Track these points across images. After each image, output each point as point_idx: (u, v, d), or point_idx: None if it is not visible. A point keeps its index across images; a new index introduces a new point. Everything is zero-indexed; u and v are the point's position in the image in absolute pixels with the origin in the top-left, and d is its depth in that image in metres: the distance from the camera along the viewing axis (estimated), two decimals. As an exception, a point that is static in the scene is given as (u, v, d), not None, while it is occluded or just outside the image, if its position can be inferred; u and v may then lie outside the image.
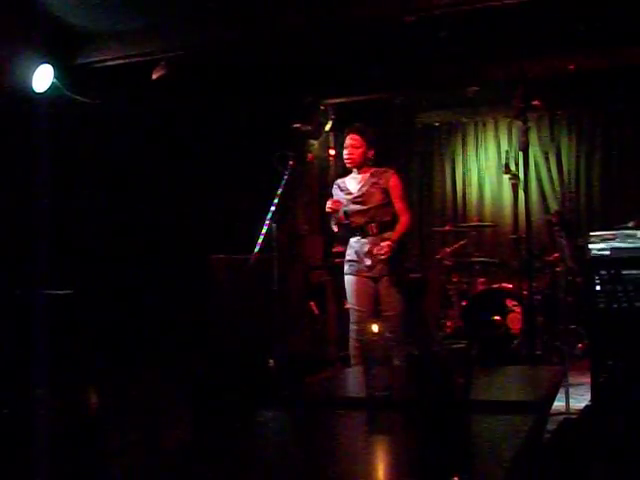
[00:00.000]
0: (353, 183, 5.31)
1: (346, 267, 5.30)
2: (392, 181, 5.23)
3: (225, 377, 5.36)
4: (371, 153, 5.27)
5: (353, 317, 5.24)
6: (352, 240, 5.29)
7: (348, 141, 5.28)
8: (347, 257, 5.31)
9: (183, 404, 4.92)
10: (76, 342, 5.02)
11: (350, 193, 5.28)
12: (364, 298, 5.19)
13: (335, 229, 5.36)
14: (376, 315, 5.12)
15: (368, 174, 5.26)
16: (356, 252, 5.23)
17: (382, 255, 5.05)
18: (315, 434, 2.24)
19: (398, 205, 5.20)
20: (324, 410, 2.51)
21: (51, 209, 5.28)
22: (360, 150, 5.23)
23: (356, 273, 5.23)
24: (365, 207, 5.20)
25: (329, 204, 5.19)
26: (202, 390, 5.13)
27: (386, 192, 5.19)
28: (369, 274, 5.18)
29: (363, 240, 5.21)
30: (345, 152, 5.29)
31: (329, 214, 5.25)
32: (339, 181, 5.44)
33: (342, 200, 5.26)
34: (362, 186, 5.25)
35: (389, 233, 5.15)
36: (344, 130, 5.50)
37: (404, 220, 5.18)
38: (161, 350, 5.65)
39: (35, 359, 4.53)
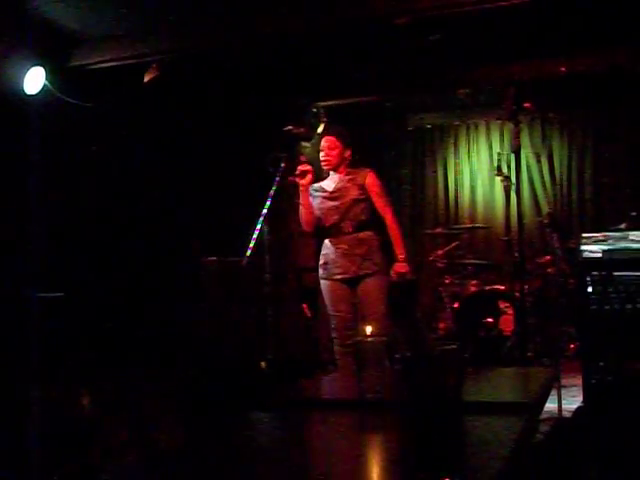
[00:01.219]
0: (329, 182, 5.21)
1: (320, 271, 5.17)
2: (369, 178, 5.10)
3: (218, 380, 5.35)
4: (348, 154, 5.16)
5: (333, 323, 5.12)
6: (326, 241, 5.16)
7: (323, 143, 5.18)
8: (321, 260, 5.17)
9: (176, 407, 4.91)
10: (67, 345, 5.01)
11: (325, 191, 5.16)
12: (341, 302, 5.06)
13: (304, 216, 5.16)
14: (358, 318, 4.99)
15: (344, 173, 5.16)
16: (330, 254, 5.10)
17: (406, 275, 5.03)
18: (308, 436, 2.24)
19: (378, 202, 5.08)
20: (317, 412, 2.51)
21: (43, 211, 5.27)
22: (336, 151, 5.12)
23: (330, 277, 5.10)
24: (339, 202, 5.07)
25: (301, 166, 5.10)
26: (195, 393, 5.12)
27: (363, 188, 5.06)
28: (343, 276, 5.04)
29: (339, 240, 5.07)
30: (321, 155, 5.19)
31: (299, 175, 5.07)
32: (315, 185, 5.25)
33: (317, 199, 5.14)
34: (337, 183, 5.14)
35: (366, 232, 5.05)
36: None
37: (391, 223, 5.08)
38: (153, 352, 5.63)
39: (26, 361, 4.52)
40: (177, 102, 6.40)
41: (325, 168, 5.22)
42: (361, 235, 5.04)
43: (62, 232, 5.65)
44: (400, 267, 5.03)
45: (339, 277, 5.06)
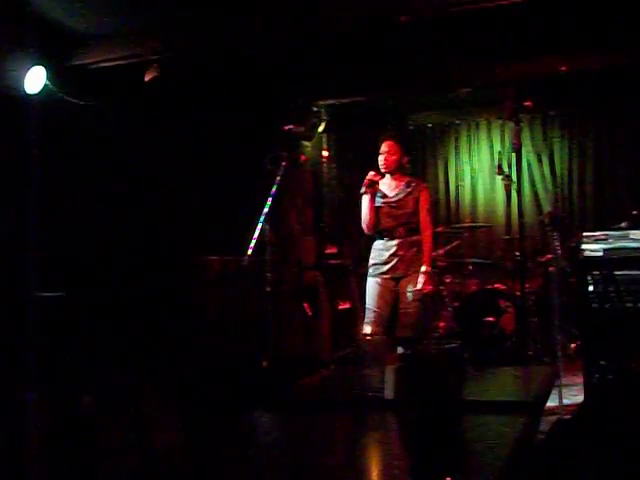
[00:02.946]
0: (388, 188, 5.52)
1: (370, 270, 5.50)
2: (424, 194, 5.50)
3: (219, 379, 5.35)
4: (405, 160, 5.53)
5: (369, 317, 5.40)
6: (377, 243, 5.51)
7: (384, 148, 5.49)
8: (371, 260, 5.51)
9: (176, 406, 4.91)
10: (68, 344, 5.01)
11: (386, 196, 5.48)
12: (384, 301, 5.39)
13: (368, 219, 5.47)
14: (391, 315, 5.37)
15: (403, 182, 5.50)
16: (381, 253, 5.44)
17: (429, 287, 5.32)
18: (308, 434, 2.24)
19: (424, 217, 5.45)
20: (317, 411, 2.51)
21: (43, 210, 5.27)
22: (395, 157, 5.47)
23: (380, 275, 5.43)
24: (399, 212, 5.43)
25: (367, 177, 5.41)
26: (196, 392, 5.13)
27: (417, 203, 5.44)
28: (392, 275, 5.39)
29: (391, 242, 5.42)
30: (380, 158, 5.49)
31: (368, 186, 5.43)
32: (372, 173, 5.55)
33: (376, 201, 5.47)
34: (398, 192, 5.48)
35: (414, 237, 5.41)
36: (340, 131, 5.64)
37: (427, 238, 5.42)
38: (154, 351, 5.63)
39: (27, 361, 4.52)
40: (177, 101, 6.39)
41: (383, 170, 5.52)
42: (411, 239, 5.43)
43: (63, 231, 5.65)
44: (426, 279, 5.31)
45: (387, 276, 5.42)
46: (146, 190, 6.31)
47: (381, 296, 5.39)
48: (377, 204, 5.47)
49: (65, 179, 5.79)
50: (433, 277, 5.46)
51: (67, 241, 5.68)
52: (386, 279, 5.41)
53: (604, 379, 4.43)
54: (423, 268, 5.32)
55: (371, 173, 5.45)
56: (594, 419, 4.14)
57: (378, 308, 5.37)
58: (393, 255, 5.40)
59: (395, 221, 5.45)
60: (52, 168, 5.46)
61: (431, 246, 5.47)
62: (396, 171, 5.50)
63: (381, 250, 5.46)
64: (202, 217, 6.57)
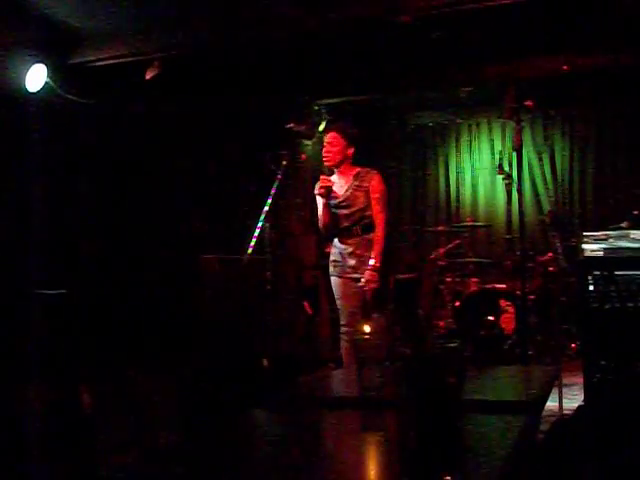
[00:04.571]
0: (338, 187, 5.17)
1: (331, 268, 5.21)
2: (373, 182, 5.09)
3: (218, 377, 5.35)
4: (351, 151, 5.12)
5: (342, 318, 5.17)
6: (336, 241, 5.20)
7: (326, 139, 5.15)
8: (332, 257, 5.22)
9: (176, 404, 4.91)
10: (69, 341, 5.01)
11: (336, 197, 5.13)
12: (351, 298, 5.10)
13: (322, 222, 5.15)
14: (365, 315, 5.03)
15: (351, 176, 5.13)
16: (340, 253, 5.14)
17: (373, 285, 4.94)
18: (308, 434, 2.24)
19: (375, 208, 5.07)
20: (317, 410, 2.51)
21: (45, 208, 5.27)
22: (337, 148, 5.08)
23: (341, 274, 5.15)
24: (349, 211, 5.09)
25: (320, 184, 5.04)
26: (195, 390, 5.13)
27: (368, 193, 5.08)
28: (354, 275, 5.08)
29: (348, 242, 5.10)
30: (323, 151, 5.16)
31: (321, 195, 5.06)
32: (323, 178, 5.20)
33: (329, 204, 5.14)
34: (346, 190, 5.12)
35: (372, 234, 5.04)
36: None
37: (379, 227, 5.05)
38: (154, 350, 5.64)
39: (28, 359, 4.52)
40: (178, 99, 6.39)
41: (326, 164, 5.19)
42: (368, 237, 5.05)
43: (64, 229, 5.65)
44: (370, 275, 4.97)
45: (350, 275, 5.10)
46: (146, 188, 6.31)
47: (349, 295, 5.10)
48: (330, 205, 5.13)
49: (66, 177, 5.79)
50: (380, 274, 4.93)
51: (68, 239, 5.68)
52: (348, 279, 5.11)
53: (604, 379, 4.43)
54: (371, 262, 4.96)
55: (322, 178, 5.10)
56: (594, 419, 4.13)
57: (350, 307, 5.09)
58: (352, 255, 5.07)
59: (349, 220, 5.09)
60: (53, 166, 5.46)
61: (383, 236, 5.03)
62: (341, 164, 5.11)
63: (341, 249, 5.14)
64: (203, 216, 6.57)
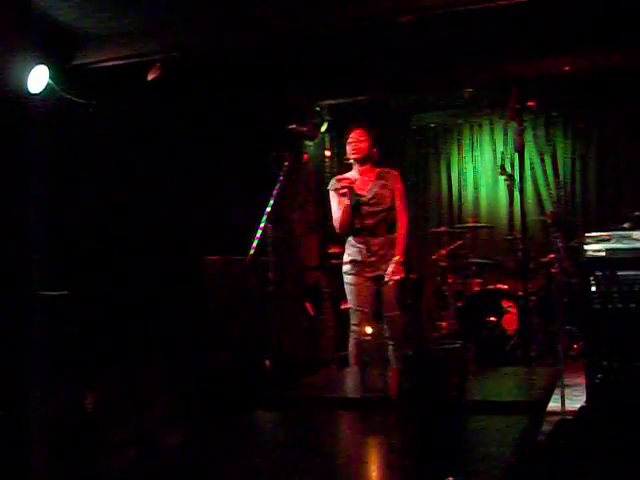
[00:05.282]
0: (360, 184, 5.26)
1: (348, 267, 5.27)
2: (398, 182, 5.27)
3: (220, 377, 5.36)
4: (375, 151, 5.28)
5: (354, 318, 5.22)
6: (355, 240, 5.25)
7: (353, 136, 5.27)
8: (348, 257, 5.28)
9: (179, 404, 4.92)
10: (71, 342, 5.01)
11: (360, 195, 5.22)
12: (365, 299, 5.18)
13: (343, 220, 5.21)
14: (377, 316, 5.13)
15: (374, 175, 5.27)
16: (360, 252, 5.20)
17: (397, 277, 5.05)
18: (310, 434, 2.24)
19: (400, 205, 5.23)
20: (320, 410, 2.51)
21: (45, 209, 5.27)
22: (365, 144, 5.24)
23: (358, 273, 5.21)
24: (376, 209, 5.21)
25: (343, 182, 5.15)
26: (198, 390, 5.13)
27: (393, 194, 5.23)
28: (372, 274, 5.16)
29: (373, 241, 5.19)
30: (350, 146, 5.28)
31: (344, 195, 5.15)
32: (341, 177, 5.34)
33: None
34: (372, 188, 5.24)
35: (396, 234, 5.19)
36: (343, 131, 5.48)
37: (403, 225, 5.20)
38: (156, 351, 5.64)
39: (31, 359, 4.52)
40: (180, 101, 6.40)
41: (353, 157, 5.29)
42: (392, 237, 5.20)
43: (65, 230, 5.65)
44: (396, 268, 5.08)
45: (369, 275, 5.17)
46: (148, 189, 6.31)
47: (365, 295, 5.18)
48: (355, 183, 5.21)
49: (67, 178, 5.79)
50: (404, 267, 5.08)
51: (69, 240, 5.69)
52: (368, 278, 5.19)
53: (606, 380, 4.42)
54: (395, 258, 5.10)
55: (339, 178, 5.24)
56: (596, 420, 4.13)
57: (364, 308, 5.16)
58: (376, 254, 5.17)
59: (374, 218, 5.20)
60: (54, 167, 5.46)
61: (406, 234, 5.21)
62: (366, 161, 5.26)
63: (361, 248, 5.20)
64: (204, 216, 6.57)
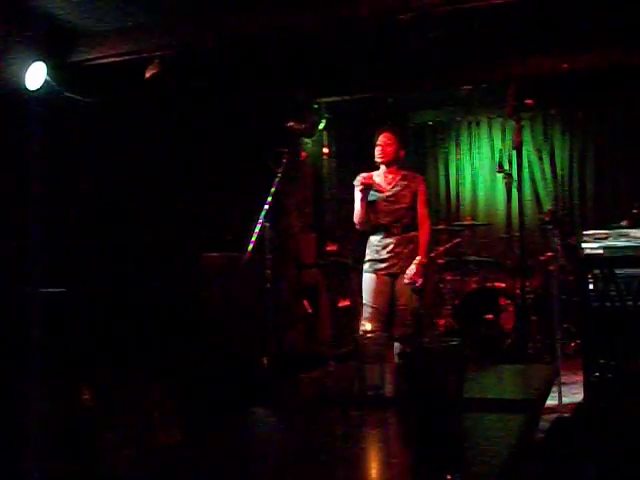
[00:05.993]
0: (383, 181, 5.37)
1: (366, 265, 5.39)
2: (421, 187, 5.37)
3: (218, 375, 5.36)
4: (402, 153, 5.40)
5: (367, 313, 5.31)
6: (373, 239, 5.37)
7: (381, 139, 5.35)
8: (367, 256, 5.39)
9: (176, 402, 4.91)
10: (69, 341, 5.01)
11: (381, 191, 5.33)
12: (381, 296, 5.28)
13: (361, 217, 5.29)
14: (389, 312, 5.24)
15: (398, 176, 5.36)
16: (378, 250, 5.31)
17: (418, 282, 5.16)
18: (308, 432, 2.24)
19: (422, 210, 5.32)
20: (317, 408, 2.51)
21: (44, 207, 5.27)
22: (392, 147, 5.33)
23: (376, 271, 5.32)
24: (394, 208, 5.29)
25: (362, 179, 5.22)
26: (195, 388, 5.13)
27: (414, 196, 5.31)
28: (388, 271, 5.27)
29: (388, 239, 5.29)
30: (378, 149, 5.35)
31: (363, 190, 5.22)
32: (365, 175, 5.36)
33: (371, 197, 5.30)
34: (394, 186, 5.33)
35: (411, 234, 5.28)
36: (341, 128, 5.49)
37: (425, 230, 5.30)
38: (154, 348, 5.64)
39: (28, 357, 4.52)
40: (178, 98, 6.39)
41: (380, 161, 5.37)
42: (408, 236, 5.29)
43: (64, 227, 5.65)
44: (418, 269, 5.18)
45: (384, 272, 5.28)
46: (147, 187, 6.31)
47: (378, 292, 5.28)
48: (372, 198, 5.30)
49: (66, 175, 5.79)
50: (425, 270, 5.20)
51: (69, 238, 5.68)
52: (382, 275, 5.30)
53: (604, 378, 4.43)
54: (417, 259, 5.20)
55: (362, 176, 5.27)
56: (593, 418, 4.14)
57: (376, 304, 5.27)
58: (390, 252, 5.28)
59: (391, 216, 5.30)
60: (52, 164, 5.46)
61: (428, 239, 5.34)
62: (392, 163, 5.36)
63: (377, 247, 5.33)
64: (202, 214, 6.57)
